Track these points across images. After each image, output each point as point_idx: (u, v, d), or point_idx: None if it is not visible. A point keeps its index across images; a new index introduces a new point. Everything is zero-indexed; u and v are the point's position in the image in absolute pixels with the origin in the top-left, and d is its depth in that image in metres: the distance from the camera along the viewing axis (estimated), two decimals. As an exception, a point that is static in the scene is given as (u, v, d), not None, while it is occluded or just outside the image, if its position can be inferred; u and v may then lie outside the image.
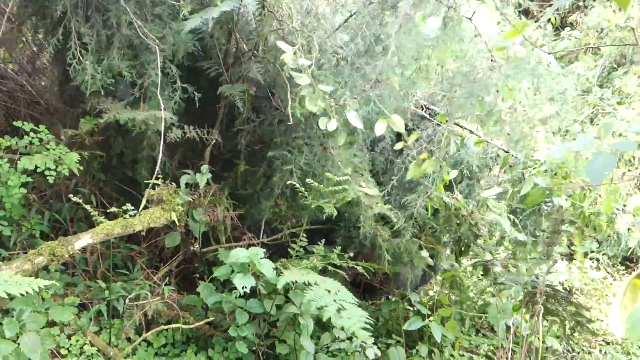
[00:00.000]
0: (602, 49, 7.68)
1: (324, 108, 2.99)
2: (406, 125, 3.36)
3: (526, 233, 3.57)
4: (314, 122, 3.24)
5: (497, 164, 3.83)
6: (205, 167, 3.47)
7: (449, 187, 3.72)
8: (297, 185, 3.19)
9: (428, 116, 3.60)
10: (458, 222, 3.61)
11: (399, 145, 3.42)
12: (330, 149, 3.40)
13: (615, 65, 7.73)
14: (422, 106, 3.65)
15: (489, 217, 3.59)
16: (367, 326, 2.50)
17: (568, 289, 4.91)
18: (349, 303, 2.71)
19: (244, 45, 3.56)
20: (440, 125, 3.51)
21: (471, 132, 3.73)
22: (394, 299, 4.09)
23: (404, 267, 3.76)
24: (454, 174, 3.68)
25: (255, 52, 3.48)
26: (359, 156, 3.53)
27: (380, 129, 3.08)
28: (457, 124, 3.62)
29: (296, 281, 2.93)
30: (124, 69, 3.07)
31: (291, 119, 3.04)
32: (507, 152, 3.77)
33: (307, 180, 3.12)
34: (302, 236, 3.40)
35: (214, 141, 3.57)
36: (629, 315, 1.26)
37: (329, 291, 2.79)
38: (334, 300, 2.70)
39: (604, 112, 7.19)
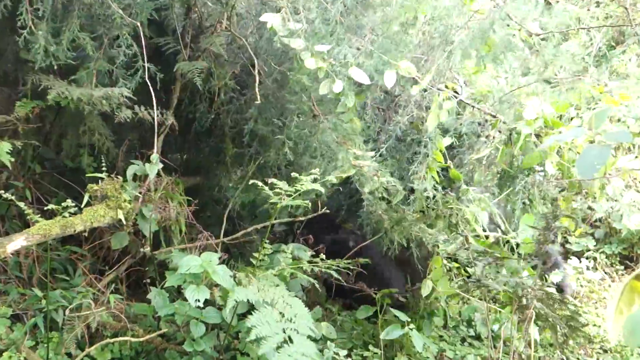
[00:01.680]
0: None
1: (325, 70, 3.04)
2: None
3: (515, 228, 3.69)
4: (304, 93, 3.29)
5: (485, 131, 3.95)
6: (155, 157, 3.47)
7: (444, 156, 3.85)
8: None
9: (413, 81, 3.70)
10: (435, 216, 3.71)
11: (415, 90, 3.47)
12: (321, 116, 3.46)
13: (613, 43, 7.94)
14: None
15: (471, 209, 3.70)
16: None
17: (562, 291, 5.06)
18: (300, 334, 2.70)
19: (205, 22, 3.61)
20: (426, 91, 3.60)
21: (456, 95, 3.83)
22: (370, 308, 4.17)
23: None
24: (447, 141, 3.77)
25: (221, 23, 3.52)
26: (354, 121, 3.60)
27: (390, 79, 3.14)
28: (440, 89, 3.72)
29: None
30: (88, 42, 3.05)
31: (257, 96, 3.08)
32: (494, 116, 3.90)
33: (270, 180, 3.12)
34: (265, 242, 3.45)
35: (168, 125, 3.59)
36: (626, 319, 1.32)
37: (282, 315, 2.79)
38: (283, 330, 2.69)
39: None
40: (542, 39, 8.53)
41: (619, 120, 6.72)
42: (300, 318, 2.83)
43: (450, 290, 4.02)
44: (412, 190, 3.81)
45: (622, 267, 6.39)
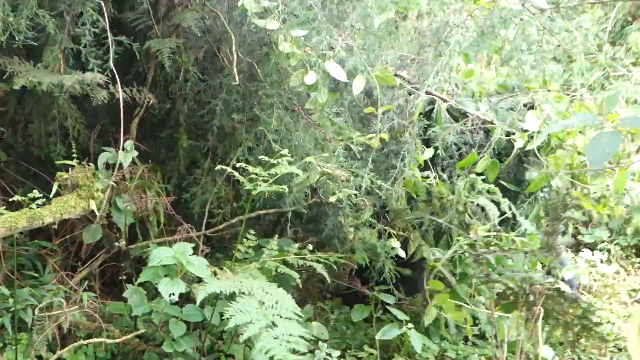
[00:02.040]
0: (614, -1, 7.72)
1: (299, 59, 2.94)
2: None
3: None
4: (280, 84, 3.19)
5: (479, 139, 3.85)
6: (130, 143, 3.38)
7: (425, 169, 3.74)
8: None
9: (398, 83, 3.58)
10: (442, 207, 3.60)
11: (368, 110, 3.38)
12: (300, 111, 3.36)
13: (629, 18, 7.79)
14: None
15: (480, 201, 3.59)
16: (300, 347, 2.44)
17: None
18: (284, 318, 2.65)
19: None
20: (411, 95, 3.49)
21: (445, 101, 3.73)
22: (366, 307, 4.07)
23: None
24: (429, 153, 3.67)
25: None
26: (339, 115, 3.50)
27: (358, 85, 3.04)
28: (430, 93, 3.62)
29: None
30: (49, 20, 2.93)
31: (237, 79, 2.99)
32: (492, 122, 3.78)
33: (239, 165, 3.01)
34: (250, 233, 3.35)
35: (143, 108, 3.49)
36: None
37: (262, 303, 2.73)
38: (264, 316, 2.63)
39: (617, 75, 7.24)
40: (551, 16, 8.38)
41: (635, 101, 6.59)
42: (283, 304, 2.76)
43: (457, 313, 3.93)
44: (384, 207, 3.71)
45: (638, 260, 6.27)
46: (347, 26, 3.23)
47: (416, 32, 3.64)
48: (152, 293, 3.47)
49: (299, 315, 2.72)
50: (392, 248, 3.75)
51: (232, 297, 3.22)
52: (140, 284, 3.37)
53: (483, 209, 3.77)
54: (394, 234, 3.77)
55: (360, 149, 3.50)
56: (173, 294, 2.97)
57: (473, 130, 3.80)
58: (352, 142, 3.42)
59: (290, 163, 2.97)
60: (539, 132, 3.77)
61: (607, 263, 6.35)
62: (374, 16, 3.27)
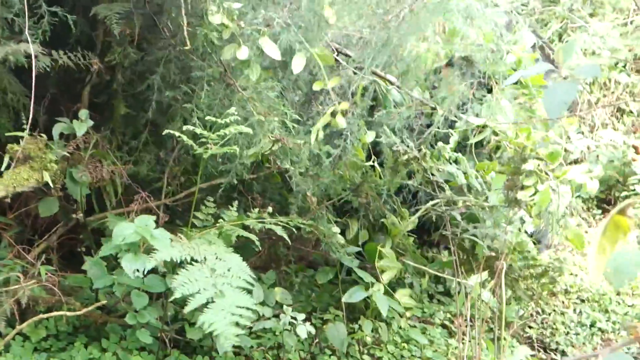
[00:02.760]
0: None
1: (232, 32, 2.93)
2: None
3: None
4: (214, 57, 3.17)
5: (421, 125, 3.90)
6: (84, 112, 3.35)
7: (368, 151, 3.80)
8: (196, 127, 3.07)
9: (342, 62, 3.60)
10: (407, 170, 3.65)
11: (317, 86, 3.38)
12: (236, 85, 3.34)
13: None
14: (334, 49, 3.63)
15: (447, 168, 3.65)
16: (243, 320, 2.44)
17: (534, 241, 5.05)
18: (234, 287, 2.64)
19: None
20: (356, 74, 3.50)
21: (391, 83, 3.76)
22: (330, 270, 4.11)
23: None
24: (372, 135, 3.71)
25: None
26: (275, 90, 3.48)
27: (298, 64, 3.05)
28: (375, 73, 3.63)
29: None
30: None
31: (188, 44, 2.97)
32: (434, 108, 3.83)
33: (185, 127, 2.99)
34: (209, 200, 3.36)
35: (94, 75, 3.46)
36: (610, 258, 1.29)
37: (213, 270, 2.72)
38: (213, 285, 2.62)
39: (574, 26, 7.33)
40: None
41: (593, 52, 6.70)
42: (235, 271, 2.76)
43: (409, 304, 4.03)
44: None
45: (600, 212, 6.42)
46: (286, 3, 3.21)
47: (366, 9, 3.63)
48: (113, 264, 3.47)
49: (251, 284, 2.72)
50: (334, 234, 3.81)
51: (181, 264, 3.24)
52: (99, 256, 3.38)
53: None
54: (332, 219, 3.84)
55: (297, 126, 3.51)
56: (137, 270, 2.95)
57: (416, 115, 3.83)
58: (287, 118, 3.42)
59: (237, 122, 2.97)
60: (484, 126, 3.86)
61: (569, 216, 6.48)
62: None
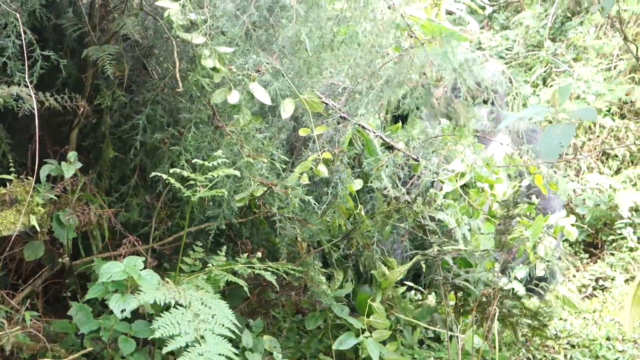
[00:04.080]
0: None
1: (223, 76, 2.98)
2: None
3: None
4: (203, 100, 3.22)
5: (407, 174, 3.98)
6: (73, 154, 3.36)
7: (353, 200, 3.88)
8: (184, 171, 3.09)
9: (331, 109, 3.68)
10: (400, 216, 3.69)
11: (303, 132, 3.44)
12: (224, 128, 3.38)
13: (568, 14, 8.05)
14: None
15: (439, 215, 3.71)
16: None
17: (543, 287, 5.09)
18: (216, 334, 2.65)
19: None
20: (340, 124, 3.58)
21: (375, 133, 3.84)
22: (319, 311, 4.11)
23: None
24: (359, 184, 3.77)
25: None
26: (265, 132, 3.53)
27: (288, 109, 3.10)
28: (360, 124, 3.71)
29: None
30: None
31: (180, 86, 3.01)
32: (416, 160, 3.91)
33: (173, 171, 3.02)
34: (197, 245, 3.36)
35: (82, 118, 3.48)
36: None
37: (197, 315, 2.73)
38: (195, 330, 2.63)
39: (558, 71, 7.48)
40: (494, 11, 8.63)
41: (578, 97, 6.84)
42: (220, 318, 2.77)
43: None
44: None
45: (587, 255, 6.47)
46: (275, 49, 3.29)
47: (350, 60, 3.74)
48: (98, 309, 3.44)
49: (234, 332, 2.73)
50: (321, 282, 3.84)
51: (167, 308, 3.23)
52: (85, 301, 3.36)
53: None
54: (319, 270, 3.87)
55: (284, 166, 3.55)
56: (124, 311, 2.94)
57: (398, 165, 3.90)
58: (274, 159, 3.47)
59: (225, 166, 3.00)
60: (462, 174, 3.95)
61: (558, 258, 6.54)
62: (305, 42, 3.34)
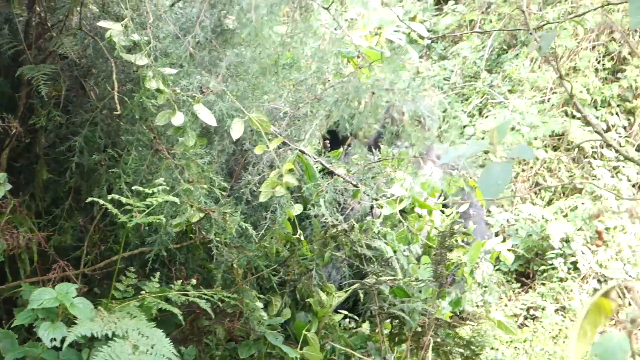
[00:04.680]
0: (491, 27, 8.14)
1: (167, 98, 2.95)
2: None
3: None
4: (145, 122, 3.18)
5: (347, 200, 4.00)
6: (2, 175, 3.26)
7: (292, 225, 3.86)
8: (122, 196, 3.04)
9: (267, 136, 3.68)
10: (337, 244, 3.68)
11: (258, 150, 3.42)
12: (164, 151, 3.34)
13: (505, 47, 8.23)
14: None
15: (375, 244, 3.72)
16: None
17: (458, 314, 5.13)
18: None
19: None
20: (280, 148, 3.58)
21: (315, 159, 3.86)
22: (253, 340, 4.06)
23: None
24: (298, 209, 3.77)
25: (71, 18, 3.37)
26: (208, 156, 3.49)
27: (237, 129, 3.08)
28: (300, 149, 3.73)
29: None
30: None
31: (118, 109, 2.97)
32: (356, 186, 3.94)
33: (111, 197, 2.98)
34: (129, 271, 3.30)
35: (13, 139, 3.40)
36: (596, 343, 1.31)
37: (136, 347, 2.69)
38: None
39: (494, 102, 7.63)
40: (432, 41, 8.76)
41: (513, 128, 6.97)
42: (159, 349, 2.74)
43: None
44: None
45: (519, 285, 6.57)
46: (219, 71, 3.28)
47: (295, 85, 3.77)
48: (24, 336, 3.34)
49: None
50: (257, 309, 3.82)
51: (106, 338, 3.17)
52: (10, 327, 3.25)
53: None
54: (257, 296, 3.85)
55: (224, 193, 3.53)
56: (55, 339, 2.86)
57: (338, 191, 3.92)
58: (214, 186, 3.44)
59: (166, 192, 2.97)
60: (401, 199, 3.99)
61: (489, 290, 6.61)
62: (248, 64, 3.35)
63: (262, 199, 3.40)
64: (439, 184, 4.39)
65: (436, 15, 9.16)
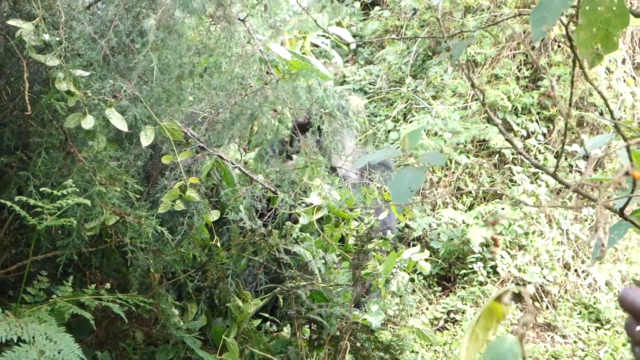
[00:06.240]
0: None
1: (78, 100, 2.91)
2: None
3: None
4: (55, 124, 3.14)
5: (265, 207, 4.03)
6: None
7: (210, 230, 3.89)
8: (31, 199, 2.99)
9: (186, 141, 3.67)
10: (254, 249, 3.70)
11: (166, 160, 3.41)
12: (77, 154, 3.30)
13: (429, 53, 8.37)
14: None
15: (295, 249, 3.74)
16: None
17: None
18: None
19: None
20: (198, 153, 3.59)
21: (233, 164, 3.88)
22: (172, 344, 4.04)
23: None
24: (215, 215, 3.78)
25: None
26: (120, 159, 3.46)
27: (148, 137, 3.07)
28: (218, 155, 3.74)
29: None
30: None
31: (29, 109, 2.92)
32: (275, 193, 3.97)
33: (18, 198, 2.93)
34: (41, 274, 3.24)
35: None
36: (488, 348, 1.32)
37: (42, 352, 2.65)
38: None
39: (418, 107, 7.75)
40: (359, 45, 8.85)
41: (435, 134, 7.10)
42: (66, 354, 2.69)
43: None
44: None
45: (440, 289, 6.68)
46: (134, 76, 3.25)
47: (211, 90, 3.77)
48: None
49: None
50: (171, 315, 3.81)
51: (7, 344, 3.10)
52: None
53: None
54: (172, 302, 3.84)
55: (139, 196, 3.51)
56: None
57: (256, 197, 3.93)
58: (128, 189, 3.41)
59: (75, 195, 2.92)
60: (319, 208, 4.06)
61: (411, 292, 6.71)
62: (164, 69, 3.34)
63: (162, 210, 3.39)
64: (353, 191, 4.46)
65: (363, 20, 9.26)
